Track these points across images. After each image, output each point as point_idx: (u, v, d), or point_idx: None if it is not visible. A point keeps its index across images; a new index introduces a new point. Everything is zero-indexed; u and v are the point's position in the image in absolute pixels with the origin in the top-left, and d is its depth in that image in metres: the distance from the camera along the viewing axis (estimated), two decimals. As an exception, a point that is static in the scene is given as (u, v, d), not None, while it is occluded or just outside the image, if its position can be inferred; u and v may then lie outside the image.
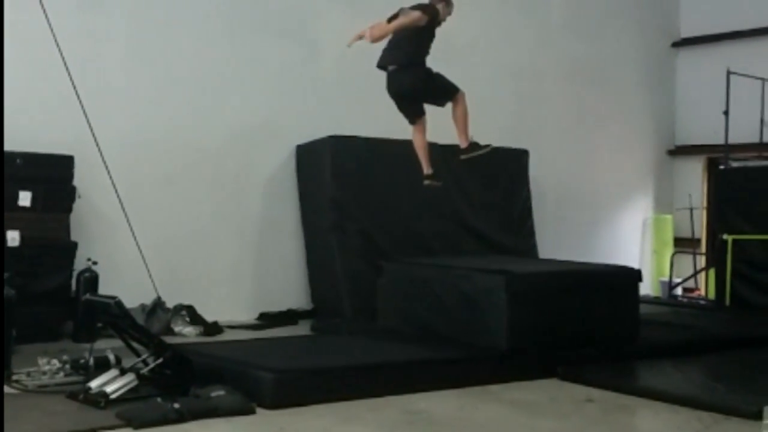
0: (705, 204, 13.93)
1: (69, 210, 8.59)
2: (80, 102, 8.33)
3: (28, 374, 6.49)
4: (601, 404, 6.60)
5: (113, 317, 6.52)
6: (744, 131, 12.46)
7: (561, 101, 13.08)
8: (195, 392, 6.00)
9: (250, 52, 10.26)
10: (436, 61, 7.64)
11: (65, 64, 8.20)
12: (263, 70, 10.38)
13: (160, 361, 6.22)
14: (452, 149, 9.13)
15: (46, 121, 8.76)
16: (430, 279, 8.32)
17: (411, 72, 7.50)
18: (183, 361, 6.26)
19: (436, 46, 7.62)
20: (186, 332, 8.93)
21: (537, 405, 6.56)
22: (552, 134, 12.93)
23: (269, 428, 5.66)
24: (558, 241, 12.49)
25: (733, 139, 12.24)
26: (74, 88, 8.29)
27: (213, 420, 5.67)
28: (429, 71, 7.56)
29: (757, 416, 5.80)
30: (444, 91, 7.61)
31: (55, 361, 6.55)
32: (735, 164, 12.21)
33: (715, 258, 12.04)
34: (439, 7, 7.51)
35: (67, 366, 6.54)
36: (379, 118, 9.91)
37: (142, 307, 8.87)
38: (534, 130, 12.60)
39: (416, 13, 7.32)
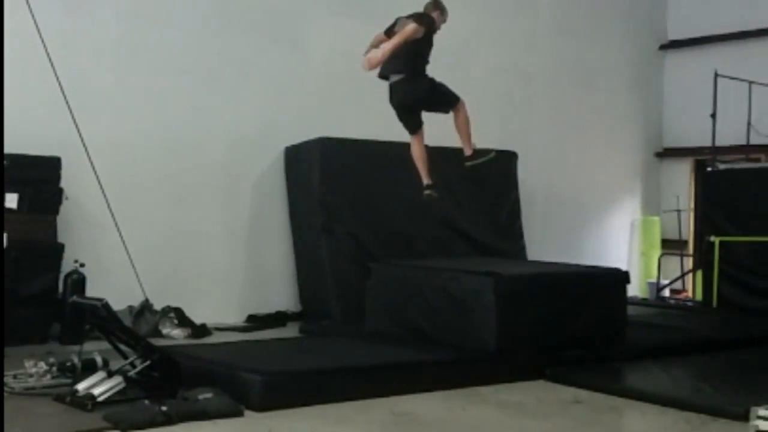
0: (692, 206, 13.97)
1: (56, 212, 8.56)
2: (67, 103, 8.31)
3: (15, 377, 6.45)
4: (589, 405, 6.61)
5: (100, 319, 6.50)
6: (731, 133, 12.52)
7: (549, 103, 13.11)
8: (183, 395, 5.98)
9: (239, 54, 10.24)
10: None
11: (52, 65, 8.18)
12: (252, 73, 10.35)
13: (147, 363, 6.20)
14: (440, 151, 9.17)
15: (32, 122, 8.68)
16: (419, 281, 8.31)
17: (415, 83, 7.45)
18: (171, 364, 6.24)
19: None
20: (174, 334, 8.91)
21: (525, 406, 6.57)
22: (540, 136, 12.96)
23: (257, 430, 5.65)
24: (546, 242, 12.53)
25: (721, 142, 12.29)
26: (61, 89, 8.26)
27: (201, 423, 5.65)
28: (432, 81, 7.54)
29: (744, 417, 5.83)
30: (446, 101, 7.62)
31: (42, 364, 6.51)
32: (722, 166, 12.24)
33: (703, 260, 12.09)
34: (434, 15, 7.51)
35: (54, 368, 6.51)
36: (369, 120, 9.94)
37: (130, 309, 8.85)
38: (522, 132, 12.63)
39: (412, 26, 7.24)
